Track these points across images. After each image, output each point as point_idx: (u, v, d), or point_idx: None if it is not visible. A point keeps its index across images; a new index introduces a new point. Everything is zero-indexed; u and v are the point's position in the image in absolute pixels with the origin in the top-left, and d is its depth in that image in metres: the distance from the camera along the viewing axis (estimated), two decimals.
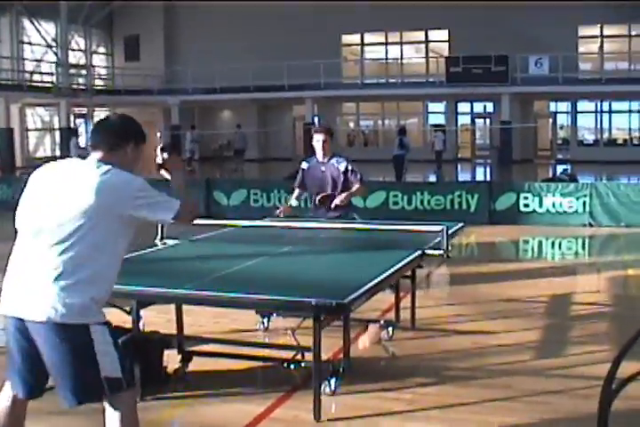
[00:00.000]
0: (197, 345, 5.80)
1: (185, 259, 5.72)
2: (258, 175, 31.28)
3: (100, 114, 41.49)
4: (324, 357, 5.66)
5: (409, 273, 6.62)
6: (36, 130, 37.78)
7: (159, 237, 6.41)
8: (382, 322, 6.53)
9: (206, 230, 6.78)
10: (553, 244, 12.58)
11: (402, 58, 37.14)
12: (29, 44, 36.06)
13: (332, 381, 5.10)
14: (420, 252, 5.62)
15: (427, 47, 37.38)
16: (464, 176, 30.18)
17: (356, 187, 7.59)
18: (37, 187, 3.57)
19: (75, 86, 34.22)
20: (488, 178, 28.62)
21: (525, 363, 5.84)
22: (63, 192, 3.46)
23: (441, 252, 5.64)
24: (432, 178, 26.85)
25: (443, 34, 35.97)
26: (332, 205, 7.58)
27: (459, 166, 33.89)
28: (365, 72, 37.20)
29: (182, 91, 36.25)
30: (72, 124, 37.01)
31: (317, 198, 7.62)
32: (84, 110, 39.82)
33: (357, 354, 6.01)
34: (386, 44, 37.57)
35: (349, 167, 7.59)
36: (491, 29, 32.20)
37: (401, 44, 37.40)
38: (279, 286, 4.57)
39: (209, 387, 5.32)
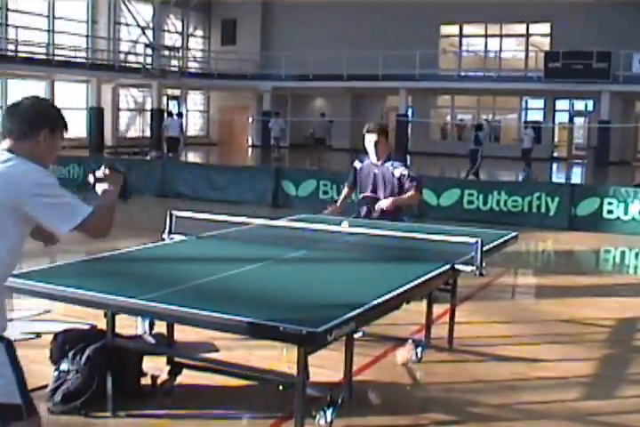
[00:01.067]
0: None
1: (175, 260, 5.04)
2: (342, 166, 30.52)
3: (193, 97, 41.67)
4: (334, 378, 5.03)
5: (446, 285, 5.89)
6: (128, 110, 37.98)
7: (167, 231, 5.76)
8: (411, 341, 5.75)
9: (227, 226, 6.11)
10: (636, 256, 11.47)
11: (501, 51, 35.94)
12: (126, 25, 36.18)
13: (329, 411, 4.36)
14: (448, 266, 4.80)
15: (527, 41, 36.00)
16: (556, 176, 28.81)
17: (408, 194, 6.90)
18: None
19: (167, 68, 34.10)
20: (579, 179, 27.22)
21: (566, 403, 4.95)
22: None
23: (473, 268, 4.80)
24: (516, 177, 25.57)
25: (545, 27, 34.60)
26: (377, 208, 6.91)
27: (553, 166, 32.49)
28: (462, 64, 36.07)
29: (275, 77, 35.80)
30: (164, 106, 37.15)
31: (361, 196, 6.94)
32: (178, 92, 39.95)
33: (372, 378, 5.29)
34: (485, 36, 36.41)
35: (405, 173, 6.92)
36: (593, 25, 30.73)
37: (501, 36, 36.23)
38: (257, 302, 3.84)
39: (193, 405, 4.71)
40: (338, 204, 7.36)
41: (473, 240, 4.75)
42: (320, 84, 34.54)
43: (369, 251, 5.34)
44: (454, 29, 36.73)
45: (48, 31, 32.38)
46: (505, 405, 4.90)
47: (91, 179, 3.41)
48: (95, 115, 32.44)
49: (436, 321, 6.30)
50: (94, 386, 4.52)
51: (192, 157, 32.13)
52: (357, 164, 7.34)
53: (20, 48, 29.23)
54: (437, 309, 6.25)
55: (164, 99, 38.32)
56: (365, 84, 33.81)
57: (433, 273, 4.61)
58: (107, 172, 3.38)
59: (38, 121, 3.06)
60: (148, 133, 35.57)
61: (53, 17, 33.02)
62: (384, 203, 6.90)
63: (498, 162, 28.53)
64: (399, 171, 7.00)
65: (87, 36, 34.21)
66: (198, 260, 5.09)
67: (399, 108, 34.41)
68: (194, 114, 42.47)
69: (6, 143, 3.04)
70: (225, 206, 14.40)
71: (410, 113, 34.63)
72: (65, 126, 3.16)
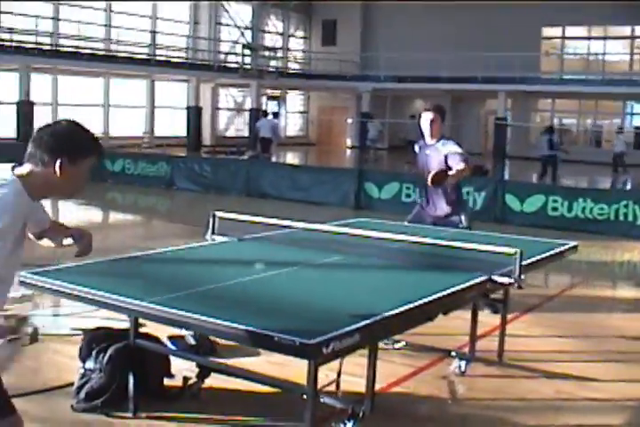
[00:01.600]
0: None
1: (203, 262, 4.98)
2: None
3: (293, 97, 41.90)
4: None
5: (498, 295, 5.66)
6: (228, 110, 38.44)
7: (209, 231, 5.69)
8: (454, 353, 5.52)
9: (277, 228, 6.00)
10: None
11: (604, 54, 34.83)
12: (227, 25, 36.61)
13: (349, 424, 4.20)
14: (484, 277, 4.57)
15: (632, 43, 34.77)
16: None
17: (457, 167, 6.65)
18: None
19: (265, 68, 34.35)
20: None
21: None
22: None
23: (511, 280, 4.55)
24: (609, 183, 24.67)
25: None
26: (429, 182, 6.64)
27: None
28: (564, 67, 35.14)
29: (374, 78, 35.67)
30: (263, 106, 37.45)
31: (430, 176, 6.70)
32: (277, 93, 40.24)
33: (409, 390, 5.10)
34: (589, 38, 35.40)
35: (453, 149, 6.71)
36: None
37: (604, 38, 35.14)
38: (265, 309, 3.72)
39: (217, 409, 4.61)
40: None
41: (512, 251, 4.50)
42: (419, 85, 34.19)
43: (405, 258, 5.14)
44: (556, 32, 35.82)
45: (150, 32, 33.06)
46: (542, 426, 4.63)
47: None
48: (193, 114, 32.95)
49: (491, 333, 6.07)
50: (115, 385, 4.49)
51: (290, 157, 32.31)
52: (416, 147, 7.23)
53: (123, 48, 29.91)
54: (496, 320, 6.06)
55: (264, 99, 38.67)
56: (464, 86, 33.32)
57: (465, 284, 4.38)
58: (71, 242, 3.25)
59: (57, 148, 2.84)
60: (246, 133, 35.92)
61: (156, 18, 33.71)
62: (451, 179, 6.67)
63: (598, 168, 27.71)
64: (447, 148, 6.82)
65: (188, 37, 34.77)
66: (227, 262, 5.01)
67: (498, 112, 33.77)
68: (293, 114, 42.71)
69: (24, 168, 2.87)
70: (307, 207, 14.39)
71: (508, 116, 33.85)
72: (94, 154, 2.94)
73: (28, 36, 26.61)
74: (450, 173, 6.67)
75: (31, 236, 3.19)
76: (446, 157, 6.75)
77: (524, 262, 4.89)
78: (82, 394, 4.56)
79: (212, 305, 3.71)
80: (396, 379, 5.29)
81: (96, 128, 31.37)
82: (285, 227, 5.88)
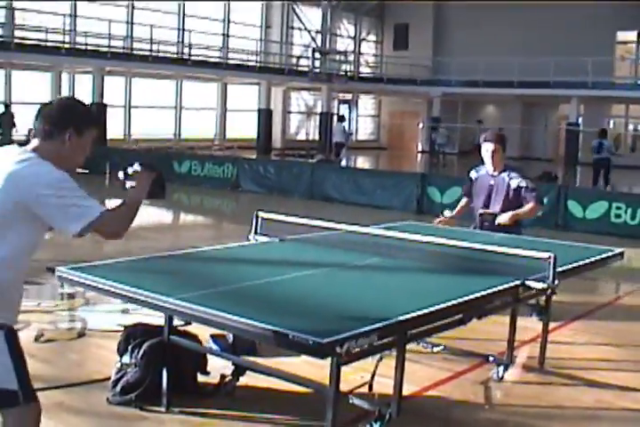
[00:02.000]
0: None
1: (239, 261, 5.04)
2: None
3: (365, 101, 41.93)
4: (406, 391, 4.86)
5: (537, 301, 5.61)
6: (299, 113, 38.67)
7: (252, 232, 5.76)
8: (492, 359, 5.47)
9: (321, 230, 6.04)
10: None
11: None
12: (299, 29, 36.85)
13: (376, 426, 4.21)
14: (517, 282, 4.53)
15: None
16: None
17: (528, 206, 6.67)
18: None
19: (334, 72, 34.42)
20: None
21: None
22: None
23: (544, 285, 4.50)
24: None
25: None
26: (496, 223, 6.67)
27: None
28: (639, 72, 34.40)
29: (445, 82, 35.52)
30: (335, 110, 37.60)
31: (479, 213, 6.76)
32: (349, 96, 40.33)
33: (444, 394, 5.08)
34: None
35: (523, 184, 6.68)
36: None
37: None
38: (288, 308, 3.77)
39: (249, 408, 4.66)
40: (453, 213, 7.15)
41: (545, 255, 4.45)
42: (489, 90, 33.87)
43: (441, 261, 5.12)
44: (632, 36, 35.05)
45: (222, 35, 33.47)
46: None
47: (120, 175, 3.42)
48: (264, 117, 33.21)
49: (536, 339, 5.99)
50: (149, 380, 4.58)
51: (360, 161, 32.34)
52: (473, 173, 7.16)
53: (195, 51, 30.34)
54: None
55: (335, 102, 38.79)
56: (536, 91, 32.85)
57: (495, 288, 4.35)
58: (137, 169, 3.36)
59: (63, 120, 3.06)
60: (317, 136, 36.08)
61: (228, 21, 34.12)
62: (503, 218, 6.67)
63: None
64: (516, 182, 6.77)
65: (260, 40, 35.08)
66: (262, 262, 5.06)
67: (570, 117, 33.26)
68: (365, 118, 42.74)
69: (34, 143, 3.07)
70: (369, 211, 14.40)
71: (580, 121, 33.26)
72: (96, 125, 3.16)
73: (102, 40, 27.18)
74: (503, 215, 6.64)
75: None
76: (516, 190, 6.72)
77: (563, 268, 4.87)
78: (117, 388, 4.67)
79: (237, 303, 3.76)
80: (433, 383, 5.28)
81: (168, 130, 31.96)
82: (328, 229, 5.91)
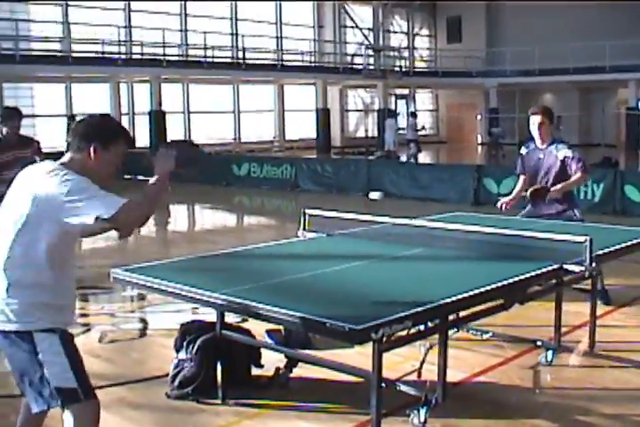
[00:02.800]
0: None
1: (288, 257, 5.23)
2: None
3: (422, 95, 41.89)
4: (456, 377, 5.00)
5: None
6: (356, 111, 38.81)
7: (301, 228, 5.94)
8: (539, 343, 5.55)
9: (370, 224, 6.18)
10: None
11: None
12: (352, 27, 36.98)
13: (423, 410, 4.34)
14: (555, 266, 4.61)
15: None
16: None
17: (576, 176, 6.70)
18: (12, 187, 3.38)
19: (388, 68, 34.46)
20: None
21: None
22: (17, 194, 3.29)
23: (581, 268, 4.57)
24: None
25: None
26: (547, 198, 6.72)
27: None
28: None
29: (500, 73, 35.30)
30: (392, 106, 37.67)
31: (529, 191, 6.80)
32: (405, 91, 40.33)
33: (493, 379, 5.19)
34: None
35: (569, 154, 6.72)
36: None
37: None
38: (328, 298, 3.94)
39: (302, 398, 4.83)
40: (513, 195, 7.19)
41: (581, 239, 4.53)
42: (545, 78, 33.59)
43: (485, 250, 5.21)
44: None
45: (276, 37, 33.79)
46: (621, 416, 4.61)
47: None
48: (322, 116, 33.43)
49: (587, 324, 6.02)
50: (204, 374, 4.78)
51: (420, 155, 32.26)
52: (523, 149, 7.20)
53: (249, 55, 30.72)
54: (600, 310, 6.13)
55: (392, 98, 38.85)
56: (591, 77, 32.43)
57: (533, 273, 4.45)
58: (161, 151, 3.45)
59: (90, 135, 3.28)
60: (375, 133, 36.18)
61: (281, 23, 34.44)
62: (553, 194, 6.70)
63: None
64: (563, 153, 6.80)
65: (313, 40, 35.32)
66: (308, 257, 5.24)
67: (629, 101, 32.74)
68: (423, 113, 42.66)
69: (66, 156, 3.32)
70: (426, 205, 14.47)
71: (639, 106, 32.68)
72: (122, 140, 3.35)
73: (157, 49, 27.71)
74: (553, 188, 6.69)
75: None
76: (563, 161, 6.76)
77: (602, 251, 4.94)
78: (175, 382, 4.89)
79: (280, 295, 3.94)
80: (482, 369, 5.38)
81: (227, 134, 32.41)
82: (375, 222, 6.05)
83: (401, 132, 26.08)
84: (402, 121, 40.93)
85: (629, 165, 25.80)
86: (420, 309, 3.62)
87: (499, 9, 38.50)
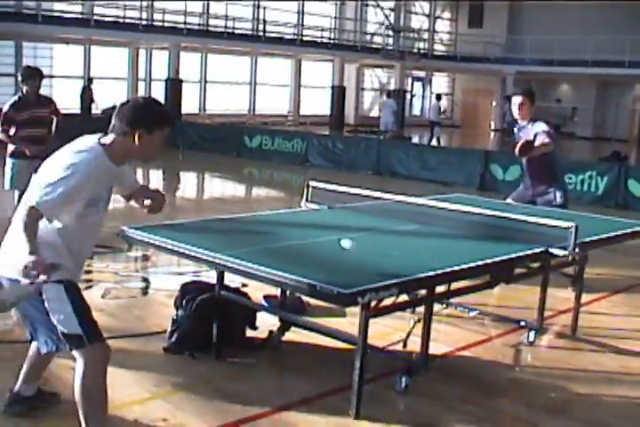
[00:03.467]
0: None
1: (289, 225, 5.49)
2: (579, 154, 29.59)
3: (439, 78, 41.89)
4: (441, 350, 5.25)
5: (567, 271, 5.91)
6: (372, 90, 38.87)
7: (304, 199, 6.17)
8: (523, 323, 5.80)
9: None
10: None
11: None
12: (374, 6, 36.94)
13: (405, 378, 4.60)
14: (540, 249, 4.83)
15: None
16: None
17: (540, 141, 6.98)
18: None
19: (407, 50, 34.47)
20: None
21: None
22: (51, 159, 3.51)
23: (565, 252, 4.79)
24: None
25: None
26: (516, 151, 6.99)
27: None
28: None
29: (519, 60, 35.24)
30: (408, 87, 37.74)
31: (518, 147, 6.99)
32: (423, 74, 40.35)
33: (475, 355, 5.43)
34: None
35: (540, 129, 7.00)
36: None
37: None
38: (322, 265, 4.19)
39: (292, 360, 5.09)
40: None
41: (567, 224, 4.75)
42: (563, 69, 33.53)
43: (476, 230, 5.42)
44: None
45: (297, 12, 33.81)
46: (594, 395, 4.85)
47: None
48: (338, 93, 33.51)
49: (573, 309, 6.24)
50: (200, 332, 5.04)
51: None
52: (515, 129, 7.51)
53: (270, 28, 30.78)
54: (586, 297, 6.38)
55: (409, 80, 38.89)
56: (609, 70, 32.36)
57: (519, 253, 4.67)
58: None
59: (135, 121, 3.42)
60: None
61: None
62: (517, 147, 6.97)
63: None
64: (536, 128, 7.09)
65: (334, 17, 35.32)
66: (308, 226, 5.48)
67: None
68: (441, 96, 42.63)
69: (110, 137, 3.48)
70: (433, 186, 14.65)
71: None
72: (167, 125, 3.50)
73: (178, 17, 27.80)
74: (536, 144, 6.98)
75: (121, 197, 3.87)
76: (535, 135, 7.02)
77: (593, 238, 5.17)
78: (173, 338, 5.15)
79: (278, 259, 4.17)
80: (466, 344, 5.63)
81: (242, 106, 32.55)
82: (377, 198, 6.27)
83: (415, 113, 26.27)
84: (417, 103, 41.33)
85: (639, 160, 25.89)
86: (406, 278, 3.85)
87: None
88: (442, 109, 26.03)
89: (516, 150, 6.97)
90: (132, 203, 3.95)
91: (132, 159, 3.60)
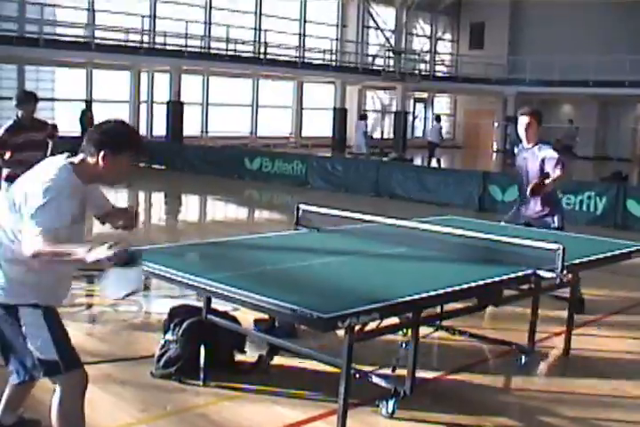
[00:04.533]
0: None
1: (275, 248, 5.44)
2: (581, 175, 29.55)
3: (441, 100, 42.00)
4: (430, 374, 5.22)
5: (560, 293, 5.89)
6: (374, 111, 38.98)
7: (294, 222, 6.15)
8: (514, 346, 5.76)
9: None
10: None
11: None
12: (375, 29, 37.15)
13: (391, 402, 4.57)
14: (528, 272, 4.80)
15: None
16: None
17: (555, 174, 6.86)
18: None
19: (407, 71, 34.57)
20: None
21: None
22: (22, 180, 3.50)
23: (552, 275, 4.76)
24: None
25: None
26: (528, 193, 6.93)
27: None
28: None
29: (520, 81, 35.36)
30: (410, 109, 37.86)
31: (529, 189, 6.95)
32: (425, 95, 40.48)
33: (465, 378, 5.39)
34: None
35: (548, 155, 6.90)
36: None
37: None
38: (303, 288, 4.16)
39: (280, 384, 5.04)
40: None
41: (554, 246, 4.72)
42: (564, 89, 33.64)
43: (466, 253, 5.38)
44: None
45: (299, 35, 34.01)
46: (582, 419, 4.80)
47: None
48: (339, 115, 33.61)
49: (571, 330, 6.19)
50: (188, 356, 5.01)
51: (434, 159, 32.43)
52: (516, 149, 7.41)
53: (271, 50, 30.94)
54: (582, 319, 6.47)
55: (411, 102, 39.01)
56: (610, 90, 32.48)
57: (506, 276, 4.65)
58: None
59: (102, 142, 3.44)
60: (392, 135, 36.36)
61: (304, 21, 34.66)
62: (547, 187, 6.90)
63: None
64: (544, 153, 6.98)
65: (336, 39, 35.50)
66: (294, 249, 5.45)
67: None
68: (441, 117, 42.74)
69: (79, 157, 3.50)
70: (431, 208, 14.62)
71: None
72: (134, 149, 3.51)
73: (179, 40, 27.96)
74: (546, 181, 6.88)
75: (95, 219, 3.85)
76: (543, 161, 6.93)
77: (583, 260, 5.15)
78: (161, 362, 5.12)
79: (259, 283, 4.14)
80: (457, 367, 5.59)
81: (244, 128, 32.65)
82: (367, 221, 6.24)
83: (417, 135, 26.27)
84: (419, 124, 41.41)
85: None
86: (388, 302, 3.82)
87: (523, 17, 38.52)
88: (442, 130, 26.02)
89: (528, 193, 6.92)
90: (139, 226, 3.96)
91: (97, 182, 3.59)
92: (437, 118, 27.46)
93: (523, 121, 7.08)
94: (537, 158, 6.99)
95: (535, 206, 7.21)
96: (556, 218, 7.23)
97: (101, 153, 3.43)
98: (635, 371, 5.75)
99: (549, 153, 6.97)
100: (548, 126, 35.06)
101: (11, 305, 3.40)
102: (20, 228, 3.32)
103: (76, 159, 3.49)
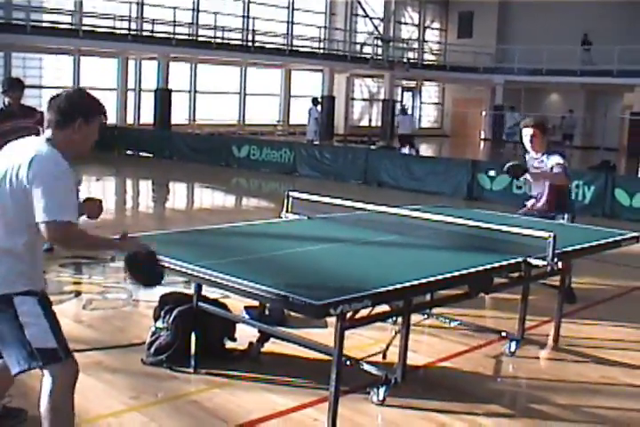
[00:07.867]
0: None
1: (266, 235, 5.45)
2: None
3: (429, 89, 42.01)
4: (421, 361, 5.24)
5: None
6: (362, 100, 38.94)
7: (284, 210, 6.14)
8: (504, 334, 5.78)
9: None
10: None
11: None
12: (364, 17, 37.06)
13: (382, 389, 4.58)
14: (519, 259, 4.81)
15: None
16: None
17: (555, 172, 6.87)
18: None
19: (395, 60, 34.51)
20: None
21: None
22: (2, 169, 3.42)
23: (543, 262, 4.78)
24: None
25: None
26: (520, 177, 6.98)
27: None
28: None
29: (508, 70, 35.36)
30: (398, 97, 37.84)
31: (507, 166, 6.92)
32: (413, 84, 40.44)
33: (456, 365, 5.42)
34: None
35: (555, 162, 6.88)
36: None
37: None
38: (296, 276, 4.16)
39: (270, 371, 5.04)
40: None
41: (545, 235, 4.73)
42: (553, 78, 33.68)
43: (458, 241, 5.41)
44: None
45: (287, 22, 33.90)
46: (572, 406, 4.82)
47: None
48: (327, 103, 33.47)
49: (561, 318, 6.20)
50: (178, 343, 5.01)
51: (422, 148, 32.42)
52: (527, 157, 7.37)
53: (259, 38, 30.82)
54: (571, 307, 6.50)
55: (399, 90, 38.98)
56: (598, 80, 32.53)
57: (497, 264, 4.66)
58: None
59: (72, 111, 3.42)
60: (379, 123, 36.35)
61: (293, 8, 34.55)
62: (528, 174, 6.90)
63: None
64: (552, 161, 6.96)
65: (324, 27, 35.40)
66: (286, 236, 5.45)
67: (635, 106, 32.84)
68: (428, 106, 42.79)
69: (48, 133, 3.46)
70: (420, 196, 14.65)
71: None
72: (102, 112, 3.52)
73: (167, 27, 27.81)
74: (532, 171, 6.90)
75: None
76: (551, 169, 6.93)
77: (575, 248, 5.17)
78: (151, 350, 5.11)
79: (251, 270, 4.14)
80: (447, 355, 5.61)
81: (232, 116, 32.56)
82: (358, 209, 6.24)
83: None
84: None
85: (628, 169, 25.91)
86: (379, 289, 3.82)
87: (511, 6, 38.52)
88: (414, 119, 25.46)
89: (505, 168, 6.88)
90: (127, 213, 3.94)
91: (73, 153, 3.49)
92: (403, 110, 27.02)
93: (527, 132, 7.04)
94: (546, 166, 6.99)
95: (542, 204, 7.19)
96: (565, 216, 7.19)
97: (77, 122, 3.40)
98: (623, 358, 5.77)
99: (556, 159, 6.96)
100: (536, 115, 35.35)
101: (5, 295, 3.36)
102: (10, 217, 3.32)
103: (48, 135, 3.44)
